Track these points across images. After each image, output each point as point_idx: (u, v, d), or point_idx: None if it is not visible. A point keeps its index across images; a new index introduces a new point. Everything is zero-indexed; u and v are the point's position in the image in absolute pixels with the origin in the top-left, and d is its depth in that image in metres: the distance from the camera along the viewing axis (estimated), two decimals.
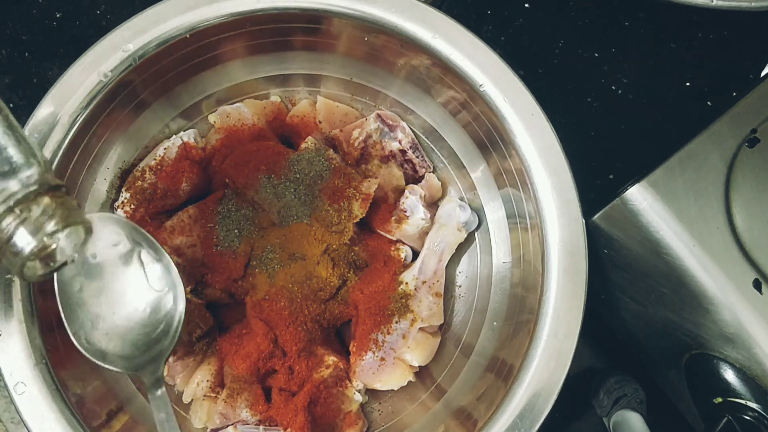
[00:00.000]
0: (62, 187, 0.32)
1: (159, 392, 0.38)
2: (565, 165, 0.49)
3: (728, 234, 0.47)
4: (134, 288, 0.38)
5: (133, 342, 0.38)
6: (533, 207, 0.50)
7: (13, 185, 0.29)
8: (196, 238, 0.57)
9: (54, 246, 0.31)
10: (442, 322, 0.59)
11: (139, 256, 0.40)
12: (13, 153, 0.30)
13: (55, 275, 0.38)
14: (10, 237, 0.30)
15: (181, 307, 0.39)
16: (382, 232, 0.59)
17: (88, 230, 0.33)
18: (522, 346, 0.48)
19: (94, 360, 0.39)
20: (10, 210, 0.29)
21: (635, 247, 0.51)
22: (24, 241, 0.30)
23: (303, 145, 0.58)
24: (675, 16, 0.72)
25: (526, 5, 0.73)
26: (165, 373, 0.41)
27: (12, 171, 0.30)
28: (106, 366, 0.38)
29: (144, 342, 0.38)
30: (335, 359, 0.56)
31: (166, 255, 0.39)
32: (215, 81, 0.59)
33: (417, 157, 0.60)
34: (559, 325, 0.47)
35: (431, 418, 0.56)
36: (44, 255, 0.31)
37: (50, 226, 0.30)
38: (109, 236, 0.39)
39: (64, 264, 0.32)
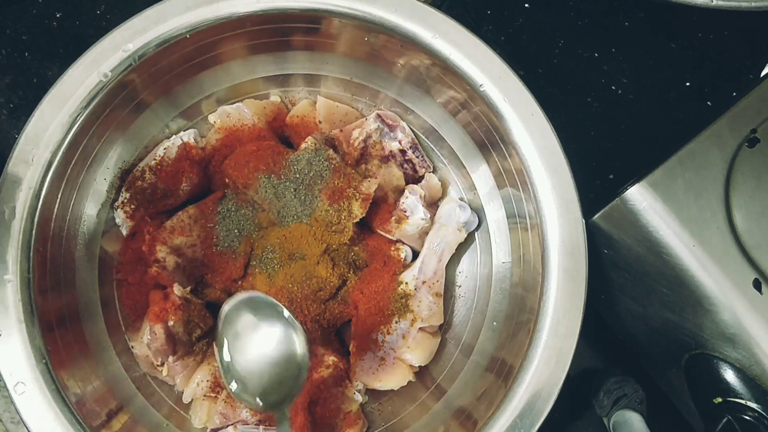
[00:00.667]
0: None
1: (285, 426, 0.46)
2: (565, 165, 0.49)
3: (728, 234, 0.47)
4: (274, 349, 0.47)
5: (272, 386, 0.47)
6: (533, 207, 0.50)
7: None
8: (196, 238, 0.57)
9: None
10: (442, 322, 0.59)
11: (277, 325, 0.48)
12: None
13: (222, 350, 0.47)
14: None
15: (306, 361, 0.47)
16: (382, 232, 0.59)
17: None
18: (522, 346, 0.48)
19: (246, 403, 0.47)
20: None
21: (635, 247, 0.51)
22: None
23: (303, 145, 0.57)
24: (675, 16, 0.72)
25: (526, 5, 0.73)
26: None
27: None
28: (252, 406, 0.47)
29: (279, 386, 0.47)
30: (335, 359, 0.56)
31: (298, 324, 0.47)
32: (215, 81, 0.59)
33: (417, 157, 0.60)
34: (559, 325, 0.47)
35: (431, 418, 0.56)
36: None
37: None
38: (260, 311, 0.48)
39: None
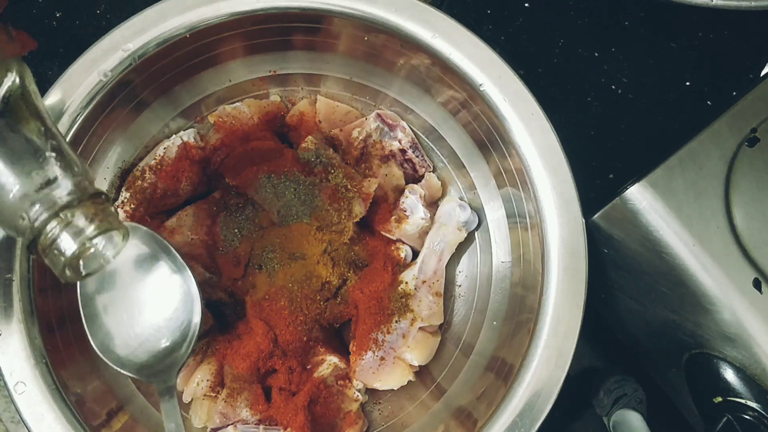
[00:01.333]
0: (102, 194, 0.34)
1: (170, 401, 0.39)
2: (565, 165, 0.49)
3: (728, 233, 0.47)
4: (154, 298, 0.40)
5: (150, 350, 0.39)
6: (533, 206, 0.50)
7: (57, 193, 0.32)
8: (196, 237, 0.57)
9: (92, 249, 0.33)
10: (442, 321, 0.59)
11: (160, 267, 0.41)
12: (57, 162, 0.32)
13: (78, 284, 0.40)
14: (54, 240, 0.32)
15: (197, 319, 0.40)
16: (382, 232, 0.59)
17: (125, 236, 0.35)
18: (522, 345, 0.48)
19: (113, 366, 0.40)
20: (54, 215, 0.32)
21: (635, 246, 0.51)
22: (67, 244, 0.32)
23: (303, 145, 0.58)
24: (675, 16, 0.72)
25: (526, 5, 0.73)
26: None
27: (56, 179, 0.32)
28: (124, 372, 0.40)
29: (160, 351, 0.39)
30: (335, 359, 0.56)
31: (187, 267, 0.40)
32: (215, 81, 0.59)
33: (417, 156, 0.60)
34: (559, 325, 0.47)
35: (431, 418, 0.56)
36: (84, 257, 0.33)
37: (90, 231, 0.32)
38: (132, 247, 0.40)
39: (100, 267, 0.34)
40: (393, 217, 0.59)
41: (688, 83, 0.71)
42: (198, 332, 0.40)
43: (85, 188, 0.33)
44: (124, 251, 0.37)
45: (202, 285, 0.58)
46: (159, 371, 0.39)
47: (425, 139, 0.62)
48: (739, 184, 0.48)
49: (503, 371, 0.50)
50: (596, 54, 0.72)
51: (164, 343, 0.40)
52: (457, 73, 0.50)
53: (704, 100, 0.71)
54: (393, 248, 0.59)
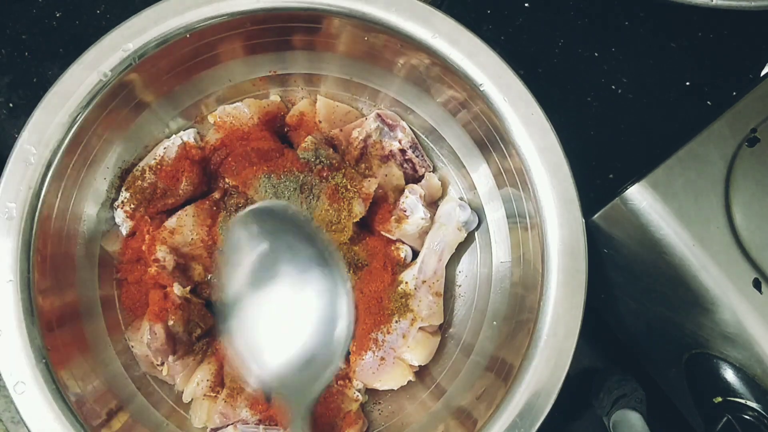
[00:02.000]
0: None
1: (301, 427, 0.34)
2: (565, 165, 0.49)
3: (728, 234, 0.47)
4: (305, 300, 0.35)
5: (294, 363, 0.35)
6: (533, 207, 0.50)
7: None
8: (196, 237, 0.57)
9: None
10: (442, 321, 0.59)
11: (316, 267, 0.36)
12: None
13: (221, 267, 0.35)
14: None
15: (350, 334, 0.35)
16: (382, 232, 0.59)
17: None
18: (522, 345, 0.48)
19: (265, 387, 0.36)
20: None
21: (635, 246, 0.51)
22: None
23: (303, 145, 0.57)
24: (675, 16, 0.72)
25: (526, 5, 0.73)
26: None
27: None
28: (272, 393, 0.36)
29: (304, 365, 0.35)
30: None
31: (346, 277, 0.35)
32: (215, 81, 0.59)
33: (417, 156, 0.60)
34: (559, 325, 0.47)
35: (431, 418, 0.56)
36: None
37: None
38: (283, 232, 0.35)
39: None
40: (393, 217, 0.59)
41: (688, 83, 0.71)
42: (346, 350, 0.36)
43: None
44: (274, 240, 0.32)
45: (202, 285, 0.58)
46: (297, 391, 0.35)
47: (425, 139, 0.62)
48: (739, 184, 0.48)
49: (503, 371, 0.50)
50: (596, 54, 0.72)
51: (310, 360, 0.35)
52: (457, 73, 0.50)
53: (704, 100, 0.71)
54: (393, 248, 0.59)
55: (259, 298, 0.33)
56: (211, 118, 0.60)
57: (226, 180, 0.58)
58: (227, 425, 0.54)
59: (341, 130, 0.60)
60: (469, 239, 0.60)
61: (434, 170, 0.62)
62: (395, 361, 0.57)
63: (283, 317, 0.33)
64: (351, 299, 0.33)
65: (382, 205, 0.59)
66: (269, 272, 0.33)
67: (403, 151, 0.60)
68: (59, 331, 0.50)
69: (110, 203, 0.57)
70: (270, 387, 0.34)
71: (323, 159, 0.57)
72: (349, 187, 0.56)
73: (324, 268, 0.33)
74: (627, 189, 0.49)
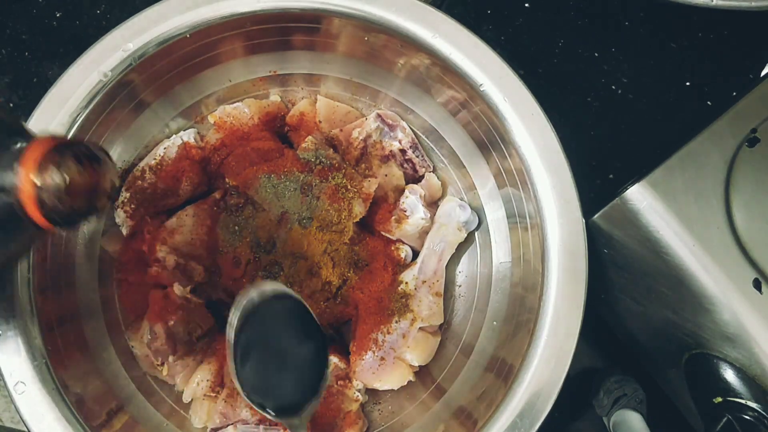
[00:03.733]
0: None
1: None
2: (565, 165, 0.49)
3: (728, 234, 0.47)
4: (293, 355, 0.44)
5: (288, 397, 0.44)
6: (533, 207, 0.50)
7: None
8: (196, 237, 0.57)
9: None
10: (442, 321, 0.59)
11: (301, 334, 0.45)
12: None
13: (233, 338, 0.44)
14: None
15: (328, 367, 0.45)
16: (382, 232, 0.59)
17: None
18: (522, 345, 0.48)
19: (255, 408, 0.44)
20: None
21: (635, 246, 0.51)
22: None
23: (303, 145, 0.57)
24: (675, 16, 0.72)
25: (526, 5, 0.73)
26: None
27: None
28: (263, 412, 0.44)
29: (296, 392, 0.44)
30: (335, 359, 0.56)
31: (320, 325, 0.45)
32: (215, 81, 0.59)
33: (417, 156, 0.60)
34: (559, 325, 0.47)
35: (431, 418, 0.56)
36: None
37: None
38: (281, 310, 0.45)
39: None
40: (393, 217, 0.59)
41: (688, 83, 0.71)
42: (328, 378, 0.45)
43: None
44: (274, 315, 0.43)
45: (202, 285, 0.58)
46: (293, 411, 0.44)
47: (425, 139, 0.62)
48: (739, 184, 0.48)
49: (503, 371, 0.50)
50: (596, 54, 0.72)
51: (299, 393, 0.44)
52: (457, 73, 0.50)
53: (704, 100, 0.71)
54: (393, 248, 0.59)
55: (264, 348, 0.43)
56: (211, 118, 0.60)
57: (226, 180, 0.58)
58: (227, 425, 0.54)
59: (341, 130, 0.60)
60: (469, 239, 0.60)
61: (434, 170, 0.62)
62: (395, 361, 0.57)
63: (280, 359, 0.43)
64: (326, 342, 0.44)
65: (382, 205, 0.59)
66: (271, 331, 0.44)
67: (403, 151, 0.60)
68: (59, 331, 0.50)
69: (110, 203, 0.57)
70: (272, 414, 0.43)
71: (323, 159, 0.57)
72: (349, 187, 0.56)
73: (310, 329, 0.44)
74: (627, 189, 0.49)
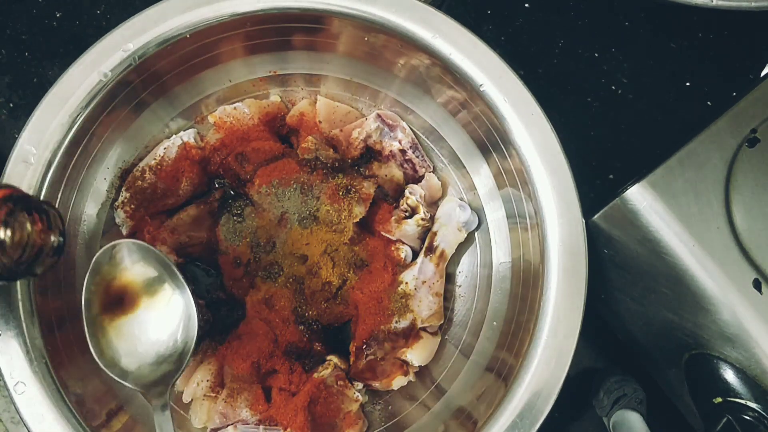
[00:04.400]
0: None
1: (164, 414, 0.41)
2: (565, 165, 0.49)
3: (728, 234, 0.47)
4: (156, 316, 0.42)
5: (149, 365, 0.42)
6: (533, 207, 0.50)
7: None
8: (196, 237, 0.57)
9: None
10: (442, 321, 0.59)
11: (163, 287, 0.43)
12: None
13: (84, 300, 0.42)
14: None
15: (193, 337, 0.42)
16: (382, 232, 0.59)
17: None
18: (522, 346, 0.48)
19: (114, 377, 0.42)
20: None
21: (635, 246, 0.51)
22: None
23: (303, 145, 0.58)
24: (675, 16, 0.72)
25: (526, 5, 0.73)
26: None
27: None
28: (125, 383, 0.42)
29: (159, 366, 0.42)
30: (335, 359, 0.56)
31: (186, 287, 0.42)
32: (215, 81, 0.59)
33: (417, 156, 0.60)
34: (559, 325, 0.47)
35: (431, 418, 0.56)
36: None
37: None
38: (137, 266, 0.43)
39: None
40: (393, 217, 0.59)
41: (688, 83, 0.71)
42: (193, 351, 0.43)
43: None
44: (129, 269, 0.39)
45: (202, 285, 0.58)
46: (156, 384, 0.42)
47: (425, 139, 0.62)
48: (739, 184, 0.48)
49: (503, 371, 0.50)
50: (596, 54, 0.72)
51: (162, 360, 0.42)
52: (457, 73, 0.50)
53: (704, 100, 0.71)
54: (393, 248, 0.59)
55: (120, 316, 0.41)
56: (211, 118, 0.60)
57: (226, 180, 0.58)
58: (227, 425, 0.54)
59: (341, 131, 0.60)
60: (469, 239, 0.60)
61: (434, 170, 0.62)
62: (395, 361, 0.57)
63: (144, 330, 0.42)
64: (192, 303, 0.41)
65: (382, 205, 0.59)
66: (137, 295, 0.42)
67: (403, 151, 0.60)
68: (59, 331, 0.50)
69: (110, 203, 0.57)
70: (136, 384, 0.41)
71: (323, 159, 0.57)
72: (349, 187, 0.56)
73: (176, 292, 0.42)
74: (627, 189, 0.49)
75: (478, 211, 0.60)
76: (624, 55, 0.72)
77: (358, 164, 0.60)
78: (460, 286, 0.61)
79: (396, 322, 0.56)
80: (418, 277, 0.58)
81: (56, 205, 0.51)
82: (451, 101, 0.56)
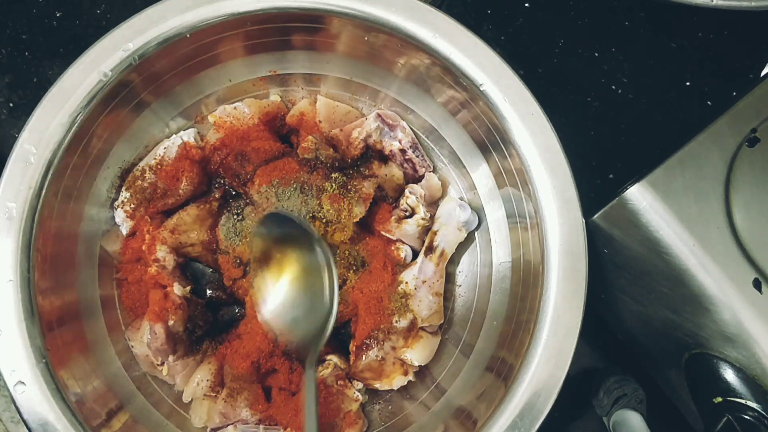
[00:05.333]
0: None
1: (309, 372, 0.47)
2: (565, 165, 0.49)
3: (728, 234, 0.47)
4: (304, 281, 0.50)
5: (296, 325, 0.50)
6: (533, 207, 0.50)
7: None
8: (196, 237, 0.57)
9: None
10: (442, 321, 0.59)
11: (314, 266, 0.50)
12: None
13: (253, 275, 0.52)
14: None
15: (335, 304, 0.49)
16: (382, 232, 0.59)
17: None
18: (522, 345, 0.48)
19: (275, 334, 0.51)
20: None
21: (635, 246, 0.51)
22: None
23: (303, 145, 0.57)
24: (675, 16, 0.72)
25: (526, 5, 0.73)
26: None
27: None
28: (281, 339, 0.50)
29: (304, 326, 0.49)
30: (335, 359, 0.56)
31: (332, 260, 0.49)
32: (215, 81, 0.59)
33: (417, 156, 0.60)
34: (559, 325, 0.47)
35: (431, 418, 0.56)
36: None
37: None
38: (287, 232, 0.50)
39: None
40: (393, 217, 0.59)
41: (688, 83, 0.71)
42: (334, 316, 0.49)
43: None
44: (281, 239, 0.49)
45: (202, 285, 0.58)
46: (302, 345, 0.49)
47: (425, 139, 0.62)
48: (739, 184, 0.48)
49: (503, 371, 0.50)
50: (596, 54, 0.72)
51: (310, 321, 0.49)
52: (457, 73, 0.50)
53: (704, 100, 0.71)
54: (393, 248, 0.59)
55: (274, 279, 0.49)
56: (211, 118, 0.60)
57: (226, 180, 0.58)
58: (227, 425, 0.54)
59: (341, 130, 0.60)
60: (469, 239, 0.60)
61: (434, 170, 0.62)
62: (395, 361, 0.57)
63: (289, 290, 0.50)
64: (335, 279, 0.48)
65: (382, 205, 0.59)
66: (279, 261, 0.49)
67: (403, 151, 0.60)
68: (59, 331, 0.50)
69: (110, 203, 0.57)
70: (289, 342, 0.49)
71: (323, 159, 0.57)
72: (349, 187, 0.56)
73: (312, 252, 0.48)
74: (627, 189, 0.49)
75: (478, 211, 0.60)
76: (624, 55, 0.72)
77: (358, 164, 0.60)
78: (460, 286, 0.61)
79: (396, 322, 0.56)
80: (418, 277, 0.58)
81: (56, 205, 0.51)
82: (451, 101, 0.56)
